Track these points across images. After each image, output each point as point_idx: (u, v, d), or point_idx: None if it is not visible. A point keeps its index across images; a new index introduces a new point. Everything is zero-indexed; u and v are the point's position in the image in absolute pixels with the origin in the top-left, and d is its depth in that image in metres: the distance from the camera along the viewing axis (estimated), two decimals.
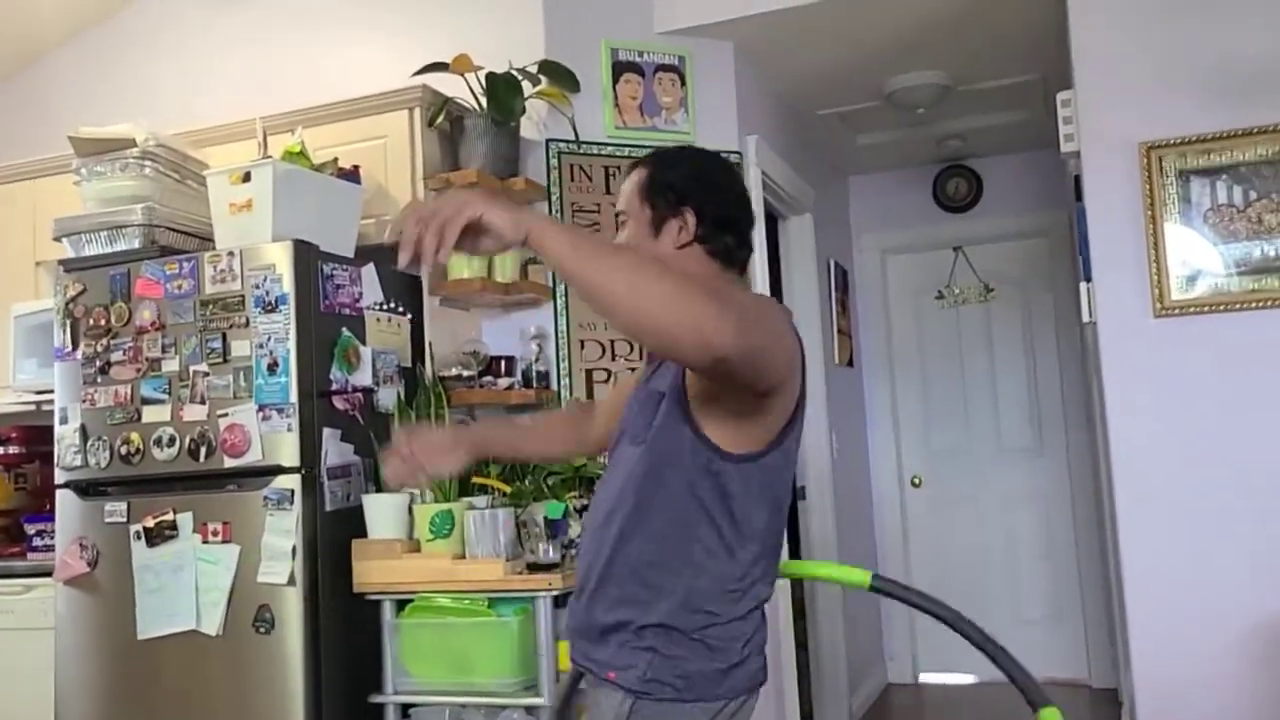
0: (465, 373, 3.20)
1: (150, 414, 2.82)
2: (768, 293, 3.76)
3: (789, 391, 1.54)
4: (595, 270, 1.22)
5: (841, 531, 4.57)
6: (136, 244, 2.94)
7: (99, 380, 2.89)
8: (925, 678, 5.32)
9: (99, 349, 2.89)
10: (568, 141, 3.44)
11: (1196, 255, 2.90)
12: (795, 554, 4.38)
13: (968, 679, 5.25)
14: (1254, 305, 2.83)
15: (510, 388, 3.27)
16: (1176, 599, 2.88)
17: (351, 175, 3.14)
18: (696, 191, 1.63)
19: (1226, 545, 2.84)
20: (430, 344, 3.18)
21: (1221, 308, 2.86)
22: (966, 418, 5.39)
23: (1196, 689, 2.85)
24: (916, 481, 5.44)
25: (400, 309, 3.12)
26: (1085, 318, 3.21)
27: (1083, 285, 3.22)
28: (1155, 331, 2.93)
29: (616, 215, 1.74)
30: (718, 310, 1.22)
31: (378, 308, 3.03)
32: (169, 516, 2.77)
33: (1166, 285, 2.91)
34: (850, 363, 5.16)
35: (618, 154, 3.49)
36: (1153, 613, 2.92)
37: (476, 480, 2.93)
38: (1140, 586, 2.94)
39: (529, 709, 2.62)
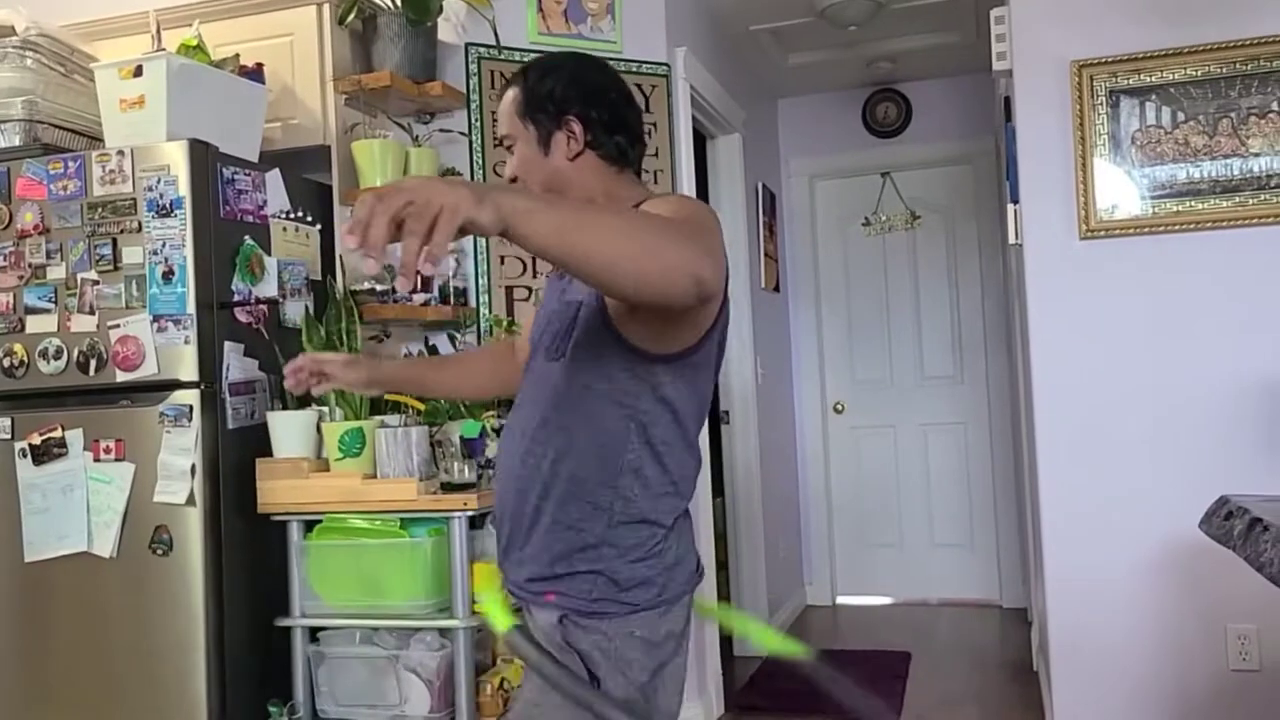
0: (379, 287, 3.06)
1: (35, 324, 2.64)
2: None
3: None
4: (582, 247, 1.12)
5: (764, 456, 4.56)
6: (17, 141, 2.74)
7: None
8: (842, 600, 5.40)
9: None
10: (488, 46, 3.28)
11: (1123, 177, 2.88)
12: (717, 476, 4.36)
13: (883, 600, 5.34)
14: (1178, 228, 2.83)
15: (426, 304, 3.14)
16: (1091, 518, 2.91)
17: (255, 74, 2.95)
18: (577, 97, 1.56)
19: (1141, 464, 2.87)
20: (341, 256, 3.03)
21: (1147, 230, 2.85)
22: (890, 344, 5.40)
23: (1107, 606, 2.90)
24: (839, 408, 5.45)
25: (309, 218, 2.97)
26: (1011, 239, 3.19)
27: (1010, 207, 3.19)
28: (1081, 253, 2.92)
29: (500, 140, 1.65)
30: (694, 250, 1.19)
31: (284, 216, 2.87)
32: (57, 433, 2.61)
33: (1093, 207, 2.89)
34: (776, 288, 5.12)
35: None
36: (1067, 533, 2.95)
37: (390, 397, 2.82)
38: (1055, 506, 2.97)
39: (442, 631, 2.56)
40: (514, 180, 1.62)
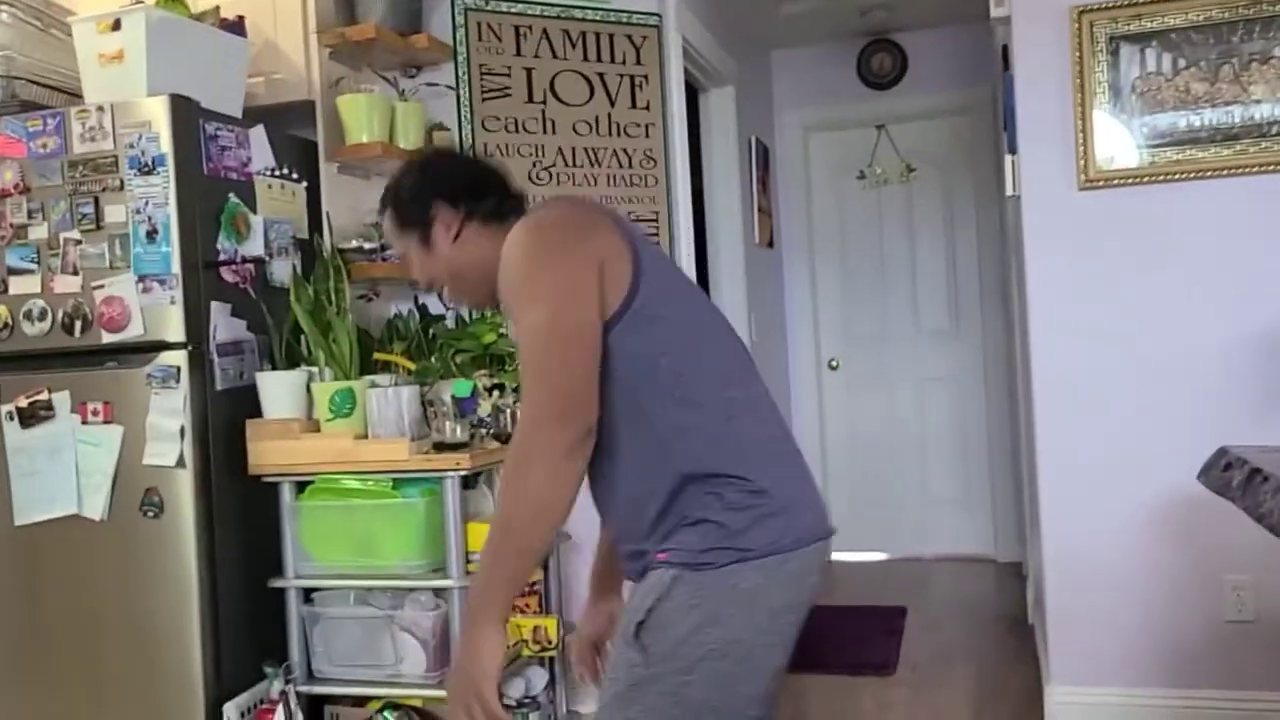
0: (366, 245, 3.02)
1: (18, 285, 2.61)
2: (687, 171, 3.59)
3: (613, 259, 1.47)
4: (519, 566, 1.43)
5: None
6: None
7: None
8: (838, 555, 5.41)
9: None
10: None
11: (1122, 127, 2.83)
12: None
13: (879, 556, 5.35)
14: (1178, 177, 2.78)
15: None
16: (1088, 471, 2.90)
17: (236, 27, 2.89)
18: (430, 185, 1.65)
19: (1139, 416, 2.85)
20: (328, 214, 2.98)
21: (1146, 180, 2.80)
22: (885, 300, 5.37)
23: (1103, 559, 2.89)
24: (834, 364, 5.43)
25: (295, 176, 2.92)
26: (1009, 191, 3.14)
27: (1007, 158, 3.14)
28: (1080, 205, 2.87)
29: (400, 259, 1.80)
30: (542, 442, 1.38)
31: (269, 173, 2.82)
32: (44, 396, 2.58)
33: (1092, 157, 2.84)
34: (770, 243, 5.07)
35: (529, 13, 3.27)
36: (1064, 486, 2.93)
37: (379, 357, 2.79)
38: (1052, 459, 2.95)
39: (437, 591, 2.55)
40: (428, 283, 1.70)
